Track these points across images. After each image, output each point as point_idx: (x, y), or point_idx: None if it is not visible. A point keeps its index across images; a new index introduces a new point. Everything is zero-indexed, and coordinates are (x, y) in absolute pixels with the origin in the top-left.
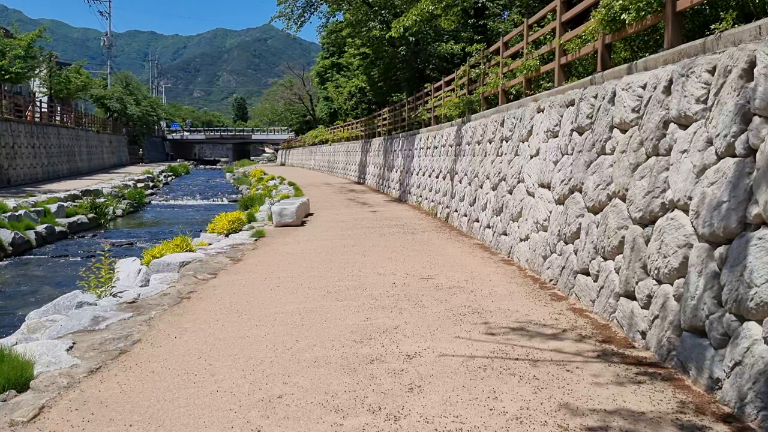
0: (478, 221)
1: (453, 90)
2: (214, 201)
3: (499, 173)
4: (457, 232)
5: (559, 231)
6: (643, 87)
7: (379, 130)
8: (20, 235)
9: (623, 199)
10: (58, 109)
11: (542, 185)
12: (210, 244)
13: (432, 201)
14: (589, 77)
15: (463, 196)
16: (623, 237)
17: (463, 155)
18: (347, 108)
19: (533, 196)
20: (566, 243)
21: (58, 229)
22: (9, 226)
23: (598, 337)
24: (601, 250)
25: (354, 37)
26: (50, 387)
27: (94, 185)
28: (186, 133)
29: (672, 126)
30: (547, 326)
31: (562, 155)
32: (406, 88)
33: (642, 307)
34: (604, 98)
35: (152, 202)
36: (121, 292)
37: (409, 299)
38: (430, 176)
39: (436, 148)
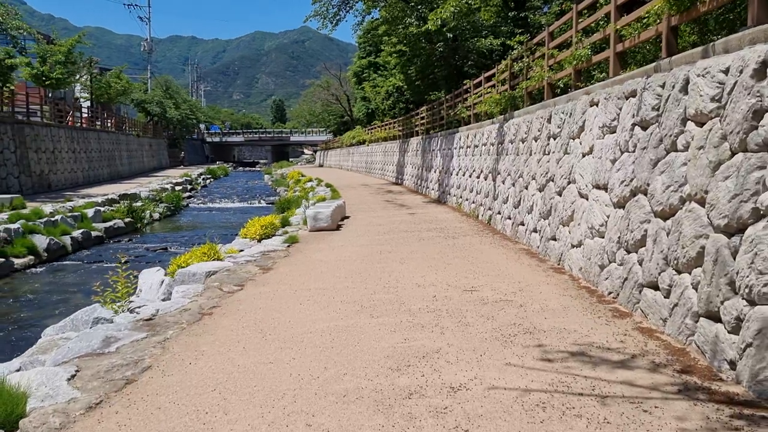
0: (523, 225)
1: (494, 86)
2: (251, 203)
3: (546, 173)
4: (501, 236)
5: (619, 238)
6: (725, 71)
7: (416, 129)
8: (56, 240)
9: (701, 203)
10: (102, 113)
11: (597, 186)
12: (241, 251)
13: (473, 202)
14: (652, 64)
15: (507, 197)
16: (703, 247)
17: (506, 154)
18: (384, 108)
19: (587, 199)
20: (628, 252)
21: (94, 234)
22: (45, 231)
23: (675, 365)
24: (674, 261)
25: (390, 35)
26: (40, 429)
27: (132, 189)
28: (225, 136)
29: (767, 117)
30: (612, 350)
31: (622, 153)
32: (444, 86)
33: (729, 332)
34: (673, 87)
35: (190, 205)
36: (139, 307)
37: (451, 316)
38: (470, 176)
39: (477, 146)
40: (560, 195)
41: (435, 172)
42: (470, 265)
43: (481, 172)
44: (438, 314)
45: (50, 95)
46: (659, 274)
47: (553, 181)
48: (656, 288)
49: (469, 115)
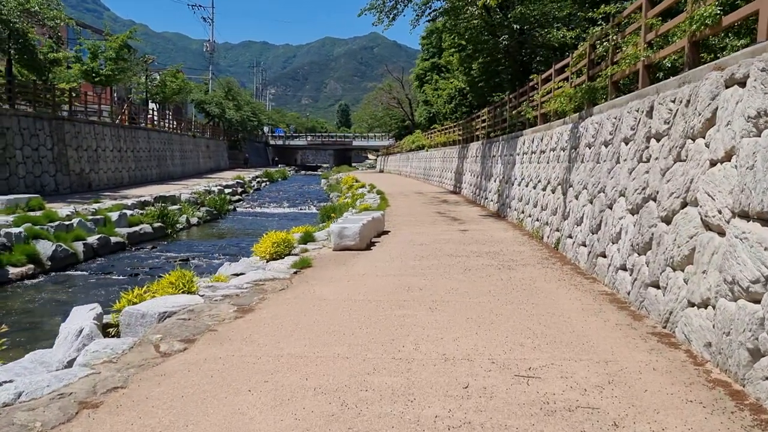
0: (605, 257)
1: (567, 79)
2: (300, 209)
3: (642, 188)
4: (572, 269)
5: None
6: None
7: (477, 133)
8: (64, 247)
9: None
10: (153, 112)
11: (744, 215)
12: (229, 278)
13: (537, 220)
14: None
15: (581, 217)
16: None
17: (581, 161)
18: (446, 111)
19: (721, 234)
20: None
21: (114, 240)
22: (53, 237)
23: None
24: None
25: (451, 30)
26: None
27: (174, 191)
28: (288, 139)
29: None
30: None
31: None
32: (508, 85)
33: None
34: None
35: (237, 209)
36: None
37: None
38: (534, 188)
39: (543, 152)
40: (668, 223)
41: (495, 181)
42: (529, 320)
43: (548, 183)
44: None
45: (116, 96)
46: None
47: (655, 200)
48: None
49: (536, 115)
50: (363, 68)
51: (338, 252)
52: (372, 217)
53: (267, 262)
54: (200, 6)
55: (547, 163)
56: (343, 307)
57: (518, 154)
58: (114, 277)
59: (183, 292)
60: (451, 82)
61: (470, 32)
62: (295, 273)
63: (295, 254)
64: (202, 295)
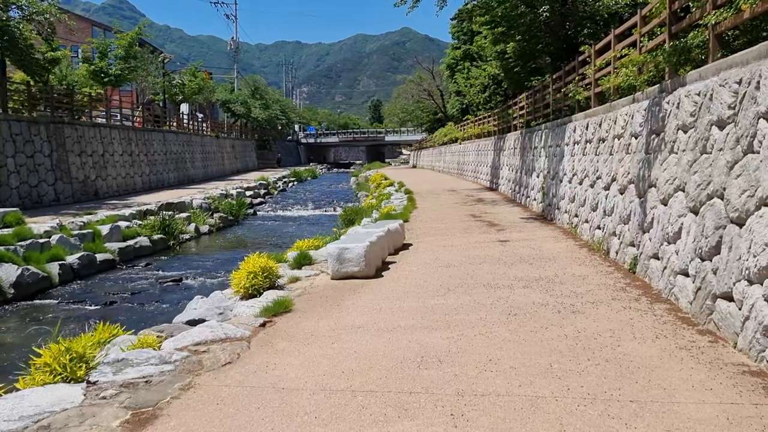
0: (732, 301)
1: (634, 45)
2: (325, 211)
3: None
4: (668, 309)
5: None
6: None
7: (514, 123)
8: (33, 271)
9: None
10: (182, 114)
11: None
12: (161, 339)
13: (599, 227)
14: None
15: (677, 231)
16: None
17: (670, 151)
18: (479, 101)
19: None
20: None
21: (101, 257)
22: (19, 260)
23: None
24: None
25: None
26: None
27: (187, 196)
28: (320, 137)
29: None
30: None
31: None
32: (548, 68)
33: None
34: None
35: (258, 212)
36: None
37: None
38: (592, 186)
39: (603, 140)
40: None
41: (538, 176)
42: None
43: (613, 180)
44: None
45: (147, 101)
46: None
47: None
48: None
49: (588, 96)
50: (396, 63)
51: (337, 282)
52: (386, 230)
53: (241, 299)
54: (224, 3)
55: (610, 154)
56: (308, 413)
57: (567, 145)
58: (85, 306)
59: (65, 379)
60: (484, 70)
61: (504, 6)
62: (263, 325)
63: (279, 286)
64: (93, 382)
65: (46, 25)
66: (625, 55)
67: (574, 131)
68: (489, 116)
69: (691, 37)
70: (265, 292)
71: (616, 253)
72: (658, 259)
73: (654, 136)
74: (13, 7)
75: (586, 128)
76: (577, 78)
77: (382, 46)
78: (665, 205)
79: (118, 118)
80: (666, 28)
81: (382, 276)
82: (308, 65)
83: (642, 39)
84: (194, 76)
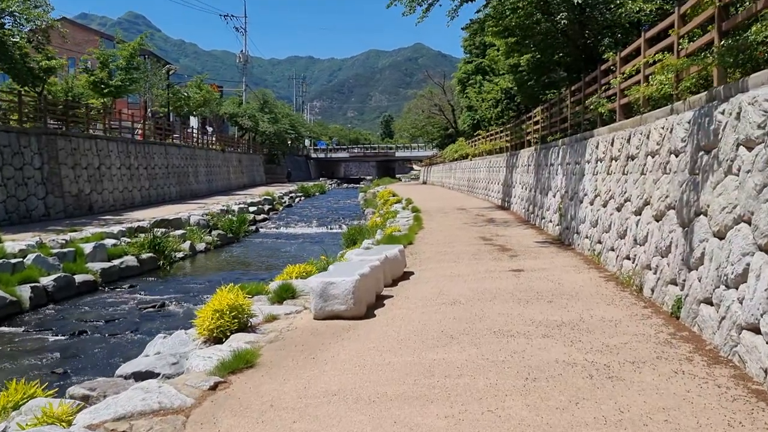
0: None
1: (670, 48)
2: (330, 228)
3: None
4: (736, 378)
5: None
6: None
7: (528, 138)
8: (0, 295)
9: None
10: (193, 129)
11: None
12: (76, 411)
13: (629, 258)
14: None
15: (742, 271)
16: None
17: (725, 172)
18: (491, 116)
19: None
20: None
21: (81, 278)
22: None
23: None
24: None
25: (495, 17)
26: None
27: (185, 212)
28: (330, 152)
29: None
30: None
31: None
32: (564, 80)
33: None
34: None
35: (261, 229)
36: None
37: None
38: (619, 210)
39: (633, 158)
40: None
41: (554, 196)
42: None
43: (646, 204)
44: None
45: (150, 113)
46: None
47: None
48: None
49: (612, 108)
50: (408, 79)
51: (319, 323)
52: (383, 258)
53: (204, 342)
54: (233, 16)
55: (641, 173)
56: None
57: (588, 162)
58: (50, 337)
59: None
60: (497, 84)
61: (518, 15)
62: (214, 387)
63: (252, 327)
64: None
65: (39, 33)
66: (658, 60)
67: (597, 147)
68: (501, 131)
69: (754, 32)
70: (232, 336)
71: (652, 291)
72: (711, 305)
73: (702, 153)
74: (5, 15)
75: (611, 144)
76: (599, 89)
77: (394, 61)
78: (721, 238)
79: (118, 129)
80: (715, 25)
81: (374, 316)
82: (321, 80)
83: (681, 41)
84: (199, 88)
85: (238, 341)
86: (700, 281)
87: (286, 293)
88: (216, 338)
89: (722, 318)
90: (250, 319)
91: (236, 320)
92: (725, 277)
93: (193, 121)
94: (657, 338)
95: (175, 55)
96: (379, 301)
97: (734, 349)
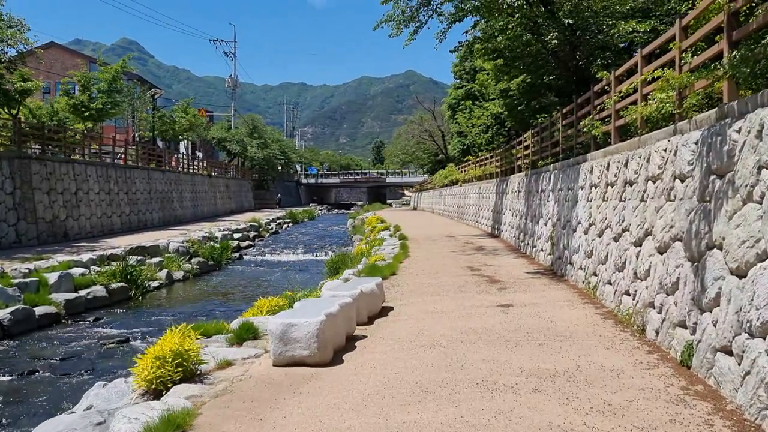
0: None
1: (671, 64)
2: (316, 256)
3: None
4: None
5: None
6: None
7: (519, 163)
8: None
9: None
10: (182, 154)
11: None
12: None
13: (628, 294)
14: None
15: None
16: None
17: (743, 200)
18: (481, 142)
19: None
20: None
21: (42, 311)
22: None
23: None
24: None
25: (484, 40)
26: None
27: (165, 239)
28: (321, 178)
29: None
30: None
31: None
32: (554, 105)
33: None
34: None
35: (245, 257)
36: None
37: None
38: (616, 240)
39: (631, 184)
40: None
41: (545, 224)
42: None
43: (647, 234)
44: None
45: (137, 137)
46: None
47: None
48: None
49: (607, 131)
50: (399, 106)
51: (278, 371)
52: (357, 293)
53: (143, 394)
54: (223, 41)
55: (641, 200)
56: None
57: (581, 188)
58: None
59: None
60: (487, 109)
61: (507, 36)
62: None
63: (200, 375)
64: None
65: (9, 53)
66: (658, 77)
67: (591, 172)
68: (491, 157)
69: None
70: (173, 388)
71: (657, 333)
72: (731, 355)
73: (714, 177)
74: None
75: (607, 168)
76: (593, 110)
77: (386, 88)
78: (741, 276)
79: (98, 153)
80: (724, 35)
81: (342, 362)
82: (313, 106)
83: (684, 55)
84: (185, 112)
85: (178, 396)
86: (715, 326)
87: (246, 333)
88: (156, 390)
89: (746, 373)
90: (200, 366)
91: (180, 369)
92: (748, 324)
93: (182, 147)
94: (667, 394)
95: (169, 81)
96: (350, 343)
97: (763, 412)
